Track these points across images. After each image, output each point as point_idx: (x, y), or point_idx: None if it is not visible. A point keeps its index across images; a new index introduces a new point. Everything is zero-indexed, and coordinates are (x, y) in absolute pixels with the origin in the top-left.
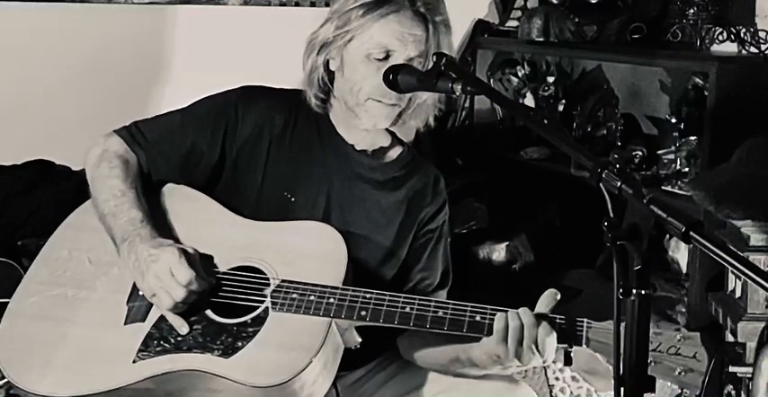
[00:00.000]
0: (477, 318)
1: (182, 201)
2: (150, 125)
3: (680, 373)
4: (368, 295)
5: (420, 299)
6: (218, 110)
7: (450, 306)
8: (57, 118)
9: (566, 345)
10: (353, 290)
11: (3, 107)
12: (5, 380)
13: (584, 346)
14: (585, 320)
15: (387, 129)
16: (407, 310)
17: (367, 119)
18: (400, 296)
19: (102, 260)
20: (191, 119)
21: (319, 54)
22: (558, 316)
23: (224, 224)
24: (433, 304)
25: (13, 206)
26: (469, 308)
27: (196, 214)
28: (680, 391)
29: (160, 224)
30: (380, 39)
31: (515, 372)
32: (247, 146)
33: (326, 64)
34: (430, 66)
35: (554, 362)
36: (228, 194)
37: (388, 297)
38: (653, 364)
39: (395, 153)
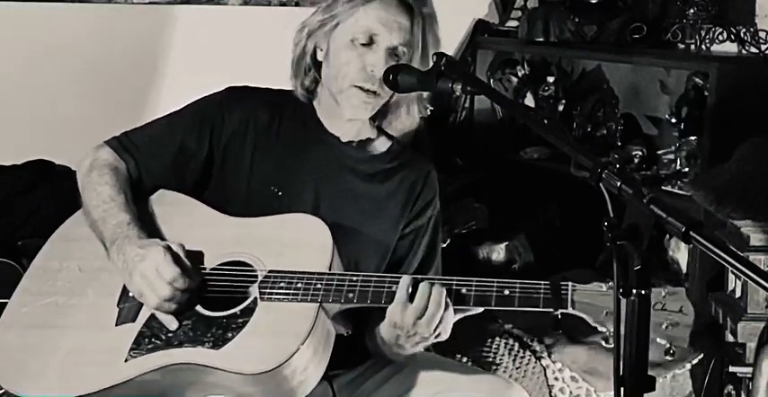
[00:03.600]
0: (464, 290)
1: (168, 206)
2: (139, 132)
3: (667, 327)
4: (354, 278)
5: (409, 277)
6: (204, 110)
7: (437, 281)
8: (57, 118)
9: (551, 309)
10: (340, 274)
11: (3, 107)
12: (2, 391)
13: (569, 309)
14: (570, 283)
15: (374, 124)
16: (394, 289)
17: (348, 109)
18: (386, 276)
19: (92, 267)
20: (178, 121)
21: (308, 41)
22: (542, 282)
23: (209, 223)
24: (418, 279)
25: (13, 206)
26: (455, 282)
27: (182, 216)
28: (668, 345)
29: (148, 227)
30: (365, 23)
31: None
32: (233, 143)
33: (314, 54)
34: (415, 57)
35: (554, 362)
36: (219, 193)
37: (374, 278)
38: None
39: (383, 145)
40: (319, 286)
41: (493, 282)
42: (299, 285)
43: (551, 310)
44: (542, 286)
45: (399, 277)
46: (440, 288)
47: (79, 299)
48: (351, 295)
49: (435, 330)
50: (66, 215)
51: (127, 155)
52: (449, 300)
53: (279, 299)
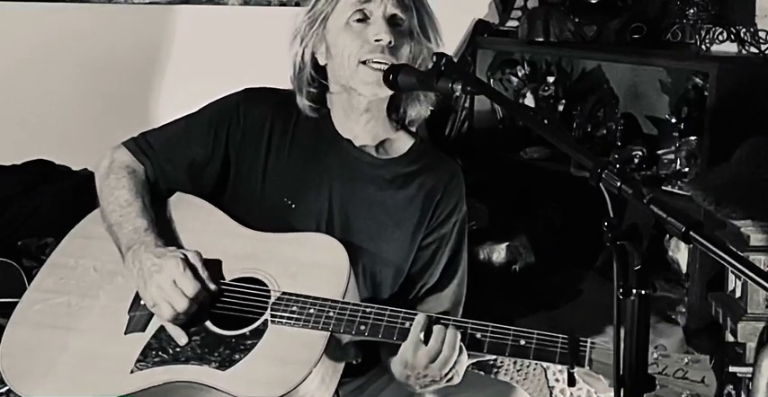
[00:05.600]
0: (478, 336)
1: (186, 210)
2: (157, 134)
3: None
4: (368, 310)
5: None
6: (221, 114)
7: (451, 322)
8: (57, 118)
9: (568, 365)
10: (354, 304)
11: (3, 107)
12: (6, 388)
13: (586, 367)
14: (589, 340)
15: (393, 120)
16: (407, 325)
17: (364, 88)
18: (401, 311)
19: (106, 269)
20: (195, 125)
21: (301, 46)
22: (560, 336)
23: (227, 234)
24: (433, 319)
25: (13, 206)
26: (470, 325)
27: (200, 223)
28: None
29: (165, 234)
30: (353, 1)
31: (425, 385)
32: (248, 149)
33: (314, 61)
34: (415, 23)
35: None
36: (234, 201)
37: (388, 312)
38: (659, 387)
39: (404, 145)
40: (332, 314)
41: (509, 330)
42: (312, 311)
43: (566, 366)
44: (560, 340)
45: (414, 314)
46: (455, 331)
47: (91, 301)
48: (362, 327)
49: (447, 374)
50: (66, 215)
51: (144, 158)
52: (463, 344)
53: (290, 324)
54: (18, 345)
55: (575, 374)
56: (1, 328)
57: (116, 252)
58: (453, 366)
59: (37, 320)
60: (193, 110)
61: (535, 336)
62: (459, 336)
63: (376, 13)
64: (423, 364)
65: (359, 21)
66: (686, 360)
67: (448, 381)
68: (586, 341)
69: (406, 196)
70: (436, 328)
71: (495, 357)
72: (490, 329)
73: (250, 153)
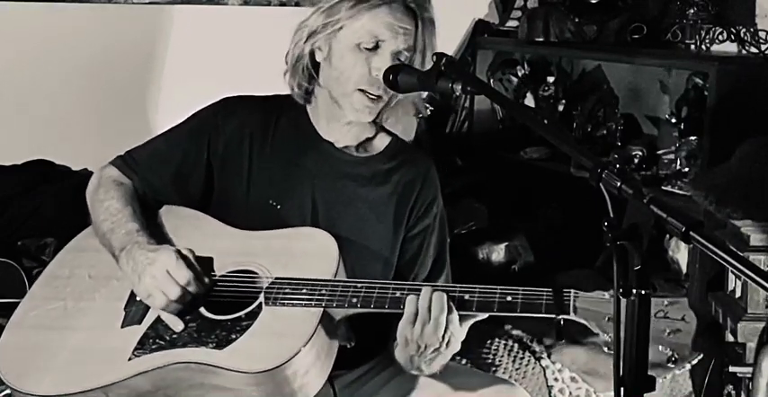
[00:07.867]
0: (467, 297)
1: (177, 220)
2: (140, 149)
3: (669, 334)
4: (359, 285)
5: (411, 285)
6: (201, 125)
7: (440, 288)
8: (57, 118)
9: (554, 315)
10: (344, 281)
11: (3, 107)
12: (6, 391)
13: (571, 314)
14: (572, 290)
15: (372, 122)
16: (398, 295)
17: (351, 112)
18: (391, 283)
19: (102, 274)
20: (177, 137)
21: (306, 42)
22: (545, 289)
23: (218, 235)
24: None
25: (13, 206)
26: (458, 289)
27: (192, 230)
28: (670, 352)
29: (158, 237)
30: (371, 29)
31: (427, 366)
32: (230, 157)
33: (312, 55)
34: (416, 60)
35: (553, 363)
36: (221, 208)
37: (378, 286)
38: None
39: (381, 143)
40: (324, 291)
41: (496, 289)
42: (304, 291)
43: (553, 316)
44: (545, 293)
45: (403, 285)
46: (440, 293)
47: (87, 303)
48: (354, 300)
49: (444, 337)
50: (66, 215)
51: (130, 173)
52: (452, 304)
53: (283, 304)
54: (15, 346)
55: (561, 324)
56: (0, 328)
57: (111, 260)
58: (447, 328)
59: (34, 323)
60: (179, 121)
61: (521, 291)
62: (445, 296)
63: (386, 48)
64: (418, 331)
65: (369, 49)
66: (665, 302)
67: (448, 346)
68: (570, 291)
69: (388, 191)
70: (423, 289)
71: (486, 315)
72: (478, 290)
73: (232, 160)
